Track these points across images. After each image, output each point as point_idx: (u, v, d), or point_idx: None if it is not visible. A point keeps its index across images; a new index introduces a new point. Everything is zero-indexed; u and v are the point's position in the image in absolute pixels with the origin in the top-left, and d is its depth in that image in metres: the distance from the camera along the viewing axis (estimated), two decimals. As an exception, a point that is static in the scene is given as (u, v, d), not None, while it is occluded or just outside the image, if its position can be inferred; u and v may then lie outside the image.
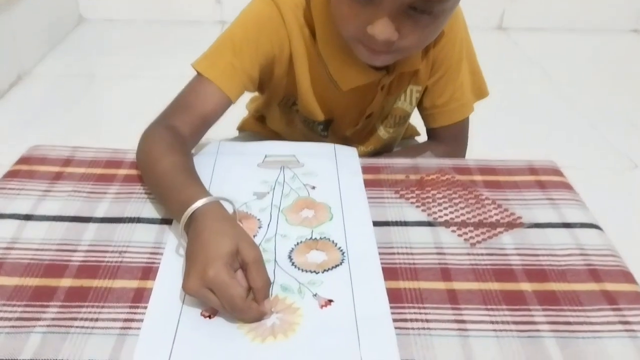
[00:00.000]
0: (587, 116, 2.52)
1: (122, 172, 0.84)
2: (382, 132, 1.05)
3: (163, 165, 0.76)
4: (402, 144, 1.16)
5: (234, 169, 0.87)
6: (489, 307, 0.64)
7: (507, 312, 0.63)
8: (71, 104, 2.50)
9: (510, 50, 3.20)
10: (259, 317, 0.61)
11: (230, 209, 0.71)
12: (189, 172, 0.76)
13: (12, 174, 0.82)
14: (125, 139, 0.92)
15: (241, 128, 1.20)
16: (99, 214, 0.76)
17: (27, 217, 0.74)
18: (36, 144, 0.90)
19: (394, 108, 1.02)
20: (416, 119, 1.12)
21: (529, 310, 0.63)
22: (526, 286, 0.67)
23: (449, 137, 1.03)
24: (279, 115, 1.05)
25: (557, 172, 0.89)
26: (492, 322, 0.62)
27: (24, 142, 0.95)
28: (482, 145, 1.29)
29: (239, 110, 1.20)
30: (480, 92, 1.03)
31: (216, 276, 0.60)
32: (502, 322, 0.62)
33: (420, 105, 1.04)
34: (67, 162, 0.86)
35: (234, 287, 0.60)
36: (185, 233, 0.68)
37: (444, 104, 1.01)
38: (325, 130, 1.03)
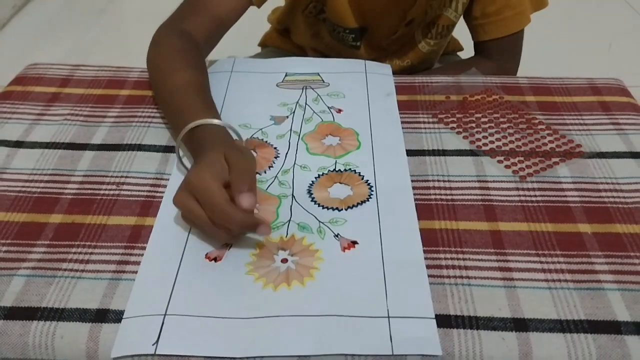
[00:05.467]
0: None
1: (125, 92, 0.76)
2: (422, 44, 0.95)
3: (175, 82, 0.68)
4: (442, 60, 1.05)
5: (250, 89, 0.78)
6: (541, 252, 0.56)
7: (562, 259, 0.55)
8: (94, 16, 2.40)
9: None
10: (246, 222, 0.53)
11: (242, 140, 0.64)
12: (201, 91, 0.68)
13: (4, 96, 0.75)
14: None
15: (263, 44, 1.10)
16: (97, 140, 0.69)
17: (18, 144, 0.68)
18: (35, 62, 0.82)
19: (437, 16, 0.91)
20: (459, 32, 0.99)
21: (589, 256, 0.55)
22: (585, 227, 0.58)
23: (500, 53, 0.92)
24: (304, 26, 0.95)
25: (623, 91, 0.78)
26: (543, 271, 0.54)
27: (43, 59, 0.86)
28: (535, 63, 1.15)
29: (261, 25, 1.09)
30: (540, 0, 0.90)
31: (200, 181, 0.53)
32: (556, 271, 0.54)
33: (467, 14, 0.92)
34: (65, 82, 0.78)
35: (217, 189, 0.53)
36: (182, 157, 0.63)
37: (497, 11, 0.89)
38: (358, 39, 0.92)
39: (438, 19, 0.91)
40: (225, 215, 0.52)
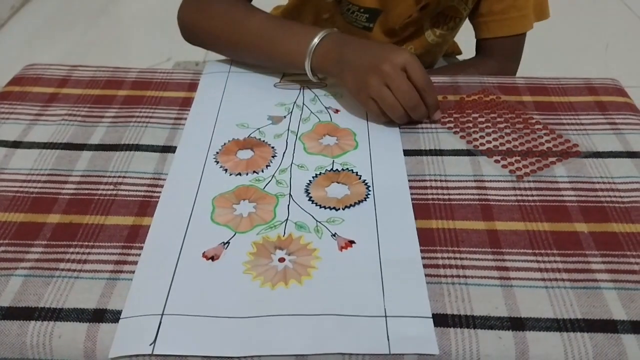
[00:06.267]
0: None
1: (123, 92, 0.76)
2: (429, 33, 0.95)
3: (257, 19, 0.77)
4: (442, 62, 1.04)
5: (247, 89, 0.78)
6: (537, 251, 0.56)
7: (558, 258, 0.55)
8: (92, 17, 2.39)
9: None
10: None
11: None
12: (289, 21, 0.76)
13: (2, 96, 0.75)
14: (148, 55, 0.83)
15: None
16: (94, 140, 0.69)
17: (16, 145, 0.68)
18: (32, 63, 0.82)
19: (448, 7, 0.91)
20: (458, 35, 0.99)
21: (585, 255, 0.55)
22: (582, 227, 0.58)
23: (501, 53, 0.92)
24: (311, 20, 0.95)
25: (620, 91, 0.78)
26: (540, 270, 0.54)
27: (41, 59, 0.86)
28: (532, 63, 1.15)
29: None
30: (542, 11, 0.92)
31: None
32: (553, 270, 0.54)
33: (474, 12, 0.93)
34: (63, 82, 0.78)
35: None
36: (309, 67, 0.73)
37: (503, 10, 0.89)
38: (371, 20, 0.92)
39: (448, 10, 0.92)
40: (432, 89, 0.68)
